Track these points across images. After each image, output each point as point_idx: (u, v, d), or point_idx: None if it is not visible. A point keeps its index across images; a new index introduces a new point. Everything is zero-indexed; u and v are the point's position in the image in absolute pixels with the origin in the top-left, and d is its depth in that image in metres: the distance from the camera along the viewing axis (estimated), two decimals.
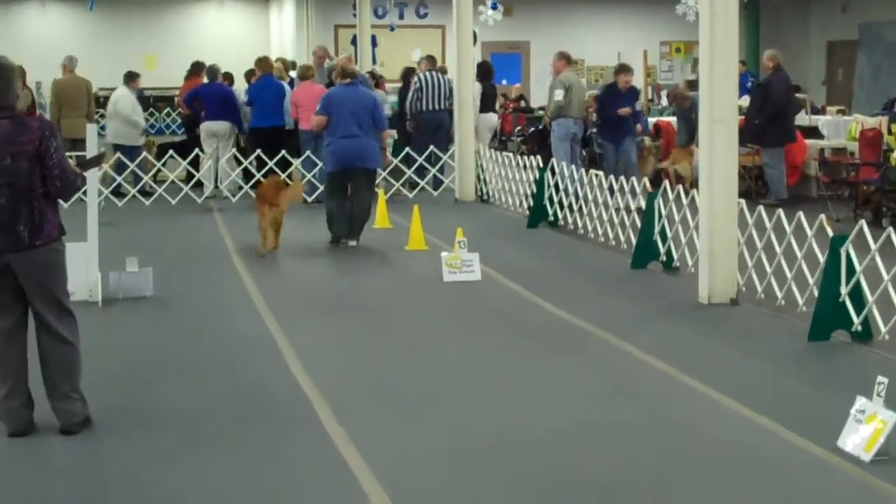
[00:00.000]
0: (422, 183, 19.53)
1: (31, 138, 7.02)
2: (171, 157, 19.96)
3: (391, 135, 15.89)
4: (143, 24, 35.30)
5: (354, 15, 28.00)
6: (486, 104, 22.24)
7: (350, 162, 14.29)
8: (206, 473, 6.59)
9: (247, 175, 19.00)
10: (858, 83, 30.86)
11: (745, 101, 18.59)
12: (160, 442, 7.12)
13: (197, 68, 21.58)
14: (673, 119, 20.77)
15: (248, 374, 8.69)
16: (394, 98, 22.68)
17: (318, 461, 6.77)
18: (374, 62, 28.01)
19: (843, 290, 9.34)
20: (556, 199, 15.91)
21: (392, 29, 30.61)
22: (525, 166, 17.23)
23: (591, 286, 12.07)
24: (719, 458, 6.77)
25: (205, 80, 20.27)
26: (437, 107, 19.81)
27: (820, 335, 9.41)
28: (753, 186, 18.36)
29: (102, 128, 20.03)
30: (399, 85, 22.10)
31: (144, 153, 19.40)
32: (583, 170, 16.09)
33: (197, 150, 19.25)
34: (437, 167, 19.73)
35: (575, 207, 15.55)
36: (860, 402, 6.85)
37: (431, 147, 19.57)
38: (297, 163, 18.61)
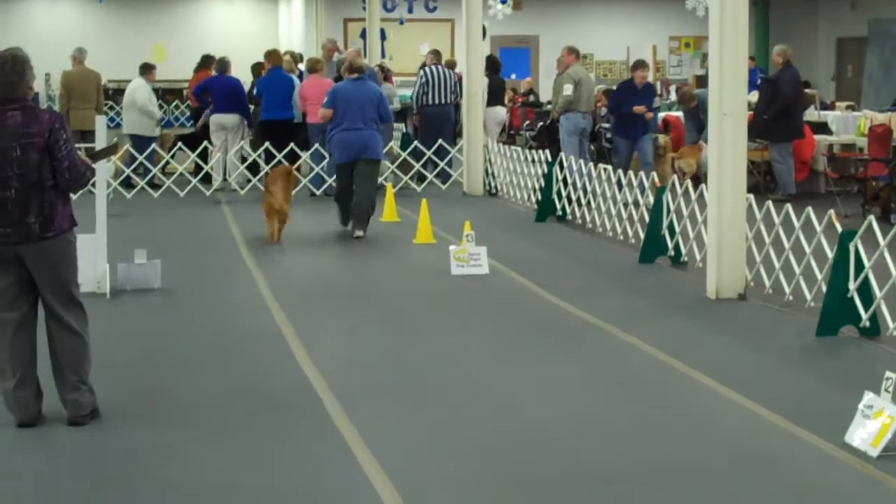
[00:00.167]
0: (429, 176, 19.53)
1: (40, 130, 7.04)
2: (181, 149, 19.99)
3: (391, 129, 15.94)
4: (152, 16, 35.33)
5: (364, 8, 28.01)
6: (494, 98, 22.27)
7: (354, 153, 14.49)
8: (213, 465, 6.60)
9: (254, 168, 19.01)
10: (867, 79, 30.82)
11: (754, 96, 18.56)
12: (168, 433, 7.14)
13: (207, 61, 21.59)
14: (682, 114, 20.74)
15: (256, 366, 8.70)
16: (403, 91, 22.68)
17: (325, 453, 6.78)
18: (384, 56, 28.03)
19: (852, 285, 9.33)
20: (564, 193, 15.91)
21: (401, 23, 30.62)
22: (533, 160, 17.23)
23: (599, 280, 12.07)
24: (726, 453, 6.77)
25: (213, 72, 20.30)
26: (442, 101, 19.82)
27: (828, 331, 9.41)
28: (762, 182, 18.34)
29: (111, 119, 20.04)
30: (412, 78, 22.07)
31: (154, 146, 19.38)
32: (591, 164, 16.08)
33: (206, 143, 19.25)
34: (446, 161, 19.72)
35: (583, 202, 15.55)
36: (868, 397, 6.85)
37: (440, 141, 19.57)
38: (305, 156, 18.61)
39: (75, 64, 20.25)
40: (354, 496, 6.13)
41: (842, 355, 9.07)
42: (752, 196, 11.15)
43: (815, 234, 10.21)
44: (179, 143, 20.09)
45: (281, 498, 6.12)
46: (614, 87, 25.05)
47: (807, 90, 21.04)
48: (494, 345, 9.38)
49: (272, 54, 19.63)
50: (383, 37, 28.59)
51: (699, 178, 16.31)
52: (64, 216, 7.17)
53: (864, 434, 6.71)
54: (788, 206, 10.73)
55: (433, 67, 19.97)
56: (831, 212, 10.27)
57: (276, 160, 18.05)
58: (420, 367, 8.69)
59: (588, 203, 15.45)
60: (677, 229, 12.54)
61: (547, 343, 9.45)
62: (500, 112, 23.45)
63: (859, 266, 9.32)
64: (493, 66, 22.21)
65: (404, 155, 19.40)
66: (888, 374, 6.82)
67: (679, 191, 12.87)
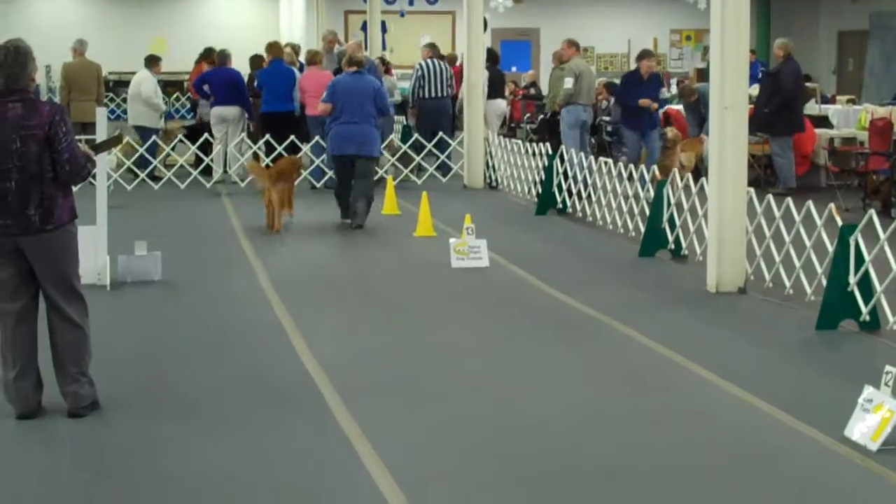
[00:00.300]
0: (430, 169, 19.52)
1: (40, 122, 7.04)
2: (181, 141, 19.98)
3: (390, 120, 15.98)
4: (153, 8, 35.29)
5: (365, 1, 27.98)
6: (495, 91, 22.26)
7: (351, 147, 14.59)
8: (213, 458, 6.61)
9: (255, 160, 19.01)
10: (868, 73, 30.80)
11: (755, 89, 18.54)
12: (168, 426, 7.14)
13: (208, 54, 21.58)
14: (682, 107, 20.71)
15: (256, 359, 8.70)
16: (403, 84, 22.67)
17: (325, 447, 6.78)
18: (384, 48, 28.00)
19: (852, 279, 9.34)
20: (564, 186, 15.90)
21: (402, 15, 30.60)
22: (534, 153, 17.22)
23: (599, 274, 12.07)
24: (726, 446, 6.78)
25: (205, 66, 20.28)
26: (439, 94, 19.82)
27: (828, 324, 9.41)
28: (762, 175, 18.34)
29: (112, 111, 20.01)
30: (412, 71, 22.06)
31: (154, 137, 19.35)
32: (592, 157, 16.07)
33: (206, 135, 19.24)
34: (446, 154, 19.72)
35: (584, 195, 15.54)
36: (868, 391, 6.85)
37: (440, 134, 19.56)
38: (306, 148, 18.61)
39: (76, 56, 20.23)
40: (355, 490, 6.14)
41: (842, 349, 9.08)
42: (752, 189, 11.15)
43: (815, 228, 10.21)
44: (179, 137, 20.04)
45: (281, 491, 6.13)
46: (615, 80, 25.04)
47: (807, 84, 21.02)
48: (494, 338, 9.38)
49: (273, 46, 19.63)
50: (384, 29, 28.56)
51: (700, 172, 16.29)
52: (64, 208, 7.17)
53: (864, 428, 6.72)
54: (789, 200, 10.73)
55: (429, 61, 19.99)
56: (832, 205, 10.28)
57: (276, 152, 18.05)
58: (420, 361, 8.69)
59: (588, 196, 15.44)
60: (678, 223, 12.54)
61: (547, 336, 9.45)
62: (501, 105, 23.45)
63: (859, 260, 9.32)
64: (491, 59, 22.19)
65: (405, 148, 19.39)
66: (888, 368, 6.82)
67: (679, 184, 12.87)
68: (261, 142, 18.68)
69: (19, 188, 7.04)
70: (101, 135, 10.77)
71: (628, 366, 8.56)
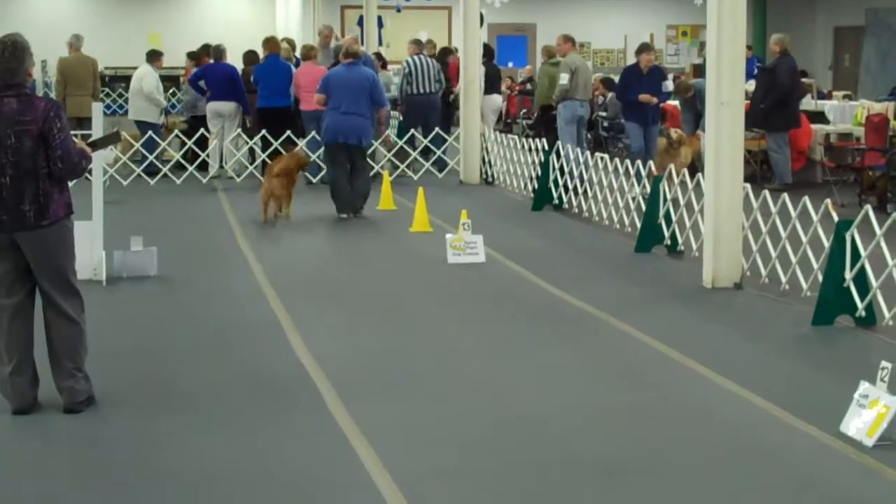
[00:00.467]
0: (426, 165, 19.52)
1: (35, 118, 7.03)
2: (176, 136, 19.97)
3: (386, 112, 16.04)
4: (148, 3, 35.23)
5: None
6: (491, 86, 22.25)
7: (341, 136, 14.91)
8: (209, 454, 6.61)
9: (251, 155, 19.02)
10: (864, 68, 30.83)
11: (751, 85, 18.55)
12: (164, 421, 7.14)
13: (205, 51, 21.53)
14: (678, 103, 20.70)
15: (252, 355, 8.70)
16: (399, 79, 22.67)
17: (322, 443, 6.78)
18: (381, 43, 27.99)
19: (848, 275, 9.34)
20: (560, 181, 15.90)
21: (398, 10, 30.57)
22: (530, 149, 17.22)
23: (595, 269, 12.07)
24: (722, 442, 6.78)
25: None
26: (426, 90, 19.81)
27: (824, 320, 9.42)
28: (758, 171, 18.34)
29: (107, 106, 19.96)
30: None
31: (150, 133, 19.32)
32: (588, 153, 16.06)
33: (202, 130, 19.23)
34: (442, 149, 19.72)
35: (580, 190, 15.54)
36: (863, 387, 6.86)
37: (436, 129, 19.56)
38: (301, 143, 18.60)
39: (72, 51, 20.20)
40: (352, 487, 6.13)
41: (837, 345, 9.08)
42: (748, 185, 11.16)
43: (811, 224, 10.21)
44: (176, 132, 20.01)
45: (278, 487, 6.12)
46: (612, 76, 25.02)
47: (804, 79, 21.04)
48: (491, 334, 9.38)
49: (270, 42, 19.60)
50: (380, 24, 28.55)
51: (696, 168, 16.28)
52: (60, 204, 7.16)
53: (860, 424, 6.73)
54: (785, 196, 10.74)
55: (416, 57, 20.01)
56: (828, 201, 10.28)
57: (272, 147, 18.04)
58: (417, 357, 8.69)
59: (585, 191, 15.44)
60: (674, 218, 12.54)
61: (543, 332, 9.45)
62: (497, 100, 23.45)
63: (855, 255, 9.32)
64: (488, 54, 22.19)
65: (401, 143, 19.37)
66: (883, 363, 6.83)
67: (676, 180, 12.88)
68: (257, 137, 18.67)
69: (14, 183, 7.03)
70: (97, 129, 10.77)
71: (625, 362, 8.56)
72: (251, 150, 19.06)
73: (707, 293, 10.83)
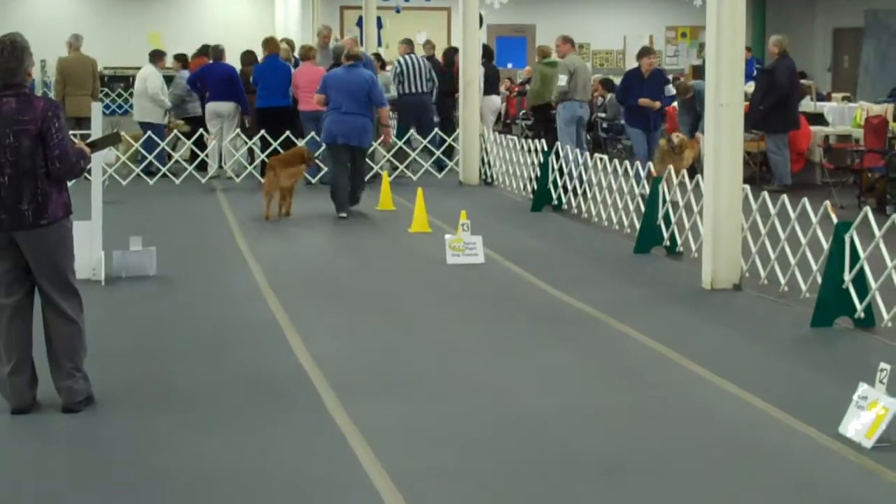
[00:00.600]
0: (425, 165, 19.52)
1: (33, 117, 7.03)
2: (176, 136, 19.96)
3: (388, 112, 16.10)
4: (148, 3, 35.23)
5: None
6: (490, 86, 22.26)
7: (342, 137, 15.19)
8: (208, 454, 6.60)
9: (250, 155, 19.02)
10: (864, 70, 30.84)
11: (751, 87, 18.55)
12: (163, 421, 7.13)
13: (204, 51, 21.53)
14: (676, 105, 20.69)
15: (251, 355, 8.70)
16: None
17: (321, 443, 6.78)
18: (380, 44, 28.00)
19: (847, 276, 9.34)
20: (560, 182, 15.90)
21: (398, 11, 30.57)
22: (529, 150, 17.21)
23: (595, 270, 12.07)
24: (721, 443, 6.78)
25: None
26: (418, 89, 19.83)
27: (823, 321, 9.42)
28: (758, 172, 18.35)
29: (106, 106, 19.92)
30: None
31: (149, 132, 19.31)
32: (587, 153, 16.06)
33: (201, 130, 19.23)
34: (442, 149, 19.72)
35: (579, 191, 15.54)
36: (862, 388, 6.86)
37: (435, 130, 19.58)
38: (301, 143, 18.58)
39: (71, 51, 20.18)
40: (351, 487, 6.13)
41: (836, 346, 9.08)
42: (748, 187, 11.16)
43: (810, 225, 10.21)
44: (175, 130, 20.01)
45: (276, 487, 6.12)
46: (611, 77, 25.02)
47: (803, 81, 21.04)
48: (491, 335, 9.37)
49: (270, 42, 19.59)
50: (380, 25, 28.55)
51: (695, 170, 16.27)
52: (58, 204, 7.16)
53: (859, 425, 6.73)
54: (784, 197, 10.74)
55: (407, 57, 20.06)
56: (827, 203, 10.28)
57: (272, 148, 18.04)
58: (416, 357, 8.69)
59: (584, 192, 15.44)
60: (673, 219, 12.54)
61: (543, 333, 9.45)
62: (496, 101, 23.48)
63: (854, 257, 9.32)
64: (487, 55, 22.20)
65: (400, 143, 19.37)
66: (882, 365, 6.82)
67: (675, 181, 12.88)
68: (256, 137, 18.67)
69: (12, 183, 7.03)
70: (96, 129, 10.77)
71: (624, 363, 8.56)
72: (250, 151, 19.06)
73: (706, 294, 10.83)
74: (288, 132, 18.30)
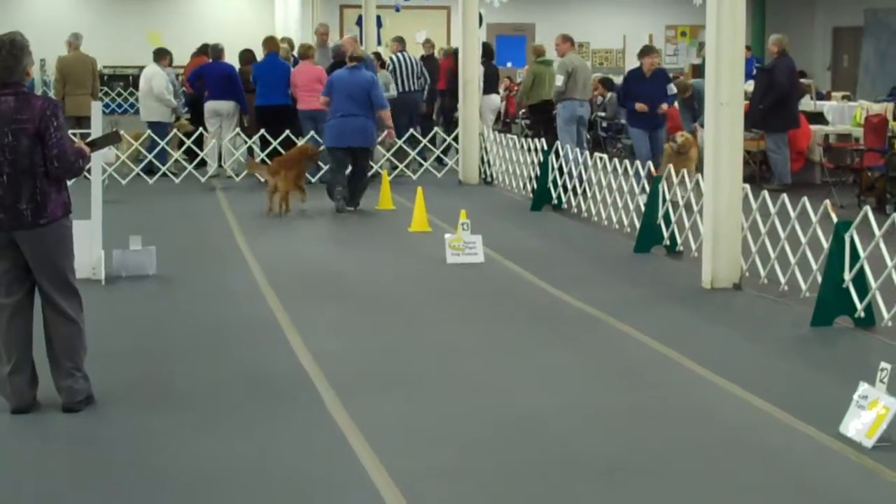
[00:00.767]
0: (425, 164, 19.52)
1: (31, 116, 7.02)
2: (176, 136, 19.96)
3: (388, 114, 16.12)
4: (148, 2, 35.24)
5: None
6: (489, 85, 22.27)
7: (346, 139, 15.48)
8: (207, 453, 6.60)
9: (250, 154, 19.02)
10: (863, 69, 30.84)
11: (750, 86, 18.55)
12: (163, 421, 7.13)
13: (203, 50, 21.52)
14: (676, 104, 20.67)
15: (251, 353, 8.69)
16: None
17: (320, 442, 6.78)
18: (379, 43, 27.98)
19: (847, 276, 9.34)
20: (560, 182, 15.89)
21: (397, 10, 30.56)
22: (529, 149, 17.21)
23: (595, 269, 12.07)
24: (721, 443, 6.78)
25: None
26: (408, 87, 19.86)
27: (823, 321, 9.41)
28: (757, 171, 18.34)
29: (106, 105, 19.87)
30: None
31: (149, 132, 19.32)
32: (587, 153, 16.05)
33: (200, 129, 19.23)
34: (441, 148, 19.72)
35: (579, 190, 15.53)
36: (863, 388, 6.85)
37: (436, 129, 19.59)
38: (301, 143, 18.58)
39: (71, 49, 20.17)
40: (350, 486, 6.13)
41: (837, 346, 9.08)
42: (747, 186, 11.15)
43: (810, 225, 10.21)
44: (175, 130, 20.01)
45: (276, 486, 6.12)
46: (611, 76, 25.00)
47: (802, 80, 21.03)
48: (490, 334, 9.37)
49: (270, 41, 19.60)
50: (379, 24, 28.53)
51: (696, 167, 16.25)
52: (57, 203, 7.15)
53: (859, 425, 6.72)
54: (784, 196, 10.73)
55: (399, 55, 20.10)
56: (827, 202, 10.28)
57: (271, 146, 18.03)
58: (416, 357, 8.69)
59: (584, 192, 15.44)
60: (673, 219, 12.54)
61: (543, 332, 9.45)
62: (495, 100, 23.48)
63: (854, 256, 9.32)
64: (487, 54, 22.21)
65: (399, 143, 19.36)
66: (883, 364, 6.82)
67: (675, 180, 12.88)
68: (256, 136, 18.67)
69: (11, 182, 7.03)
70: (96, 128, 10.77)
71: (624, 362, 8.55)
72: (250, 150, 19.05)
73: (706, 294, 10.82)
74: (287, 131, 18.30)
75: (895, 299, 9.19)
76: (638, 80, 17.11)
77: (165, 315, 10.00)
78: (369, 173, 16.40)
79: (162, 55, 20.09)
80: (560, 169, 15.88)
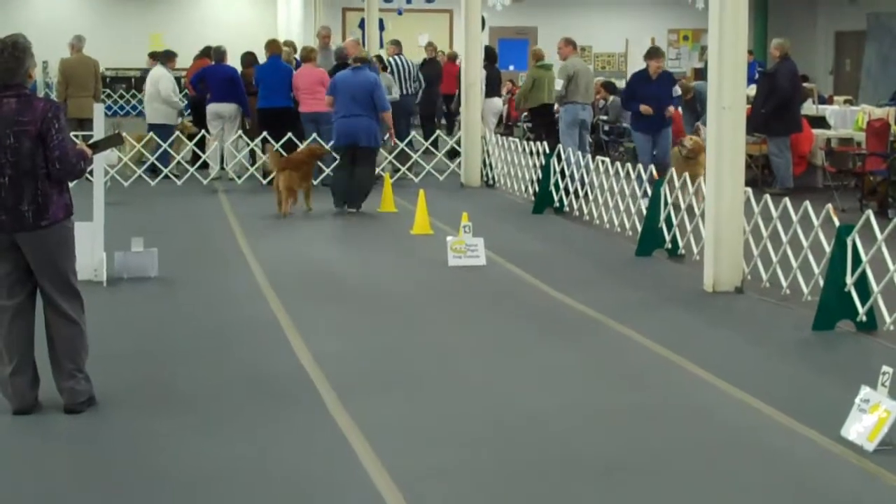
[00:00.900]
0: (427, 167, 19.52)
1: (33, 118, 7.02)
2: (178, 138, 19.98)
3: (390, 116, 16.13)
4: (150, 4, 35.25)
5: None
6: (491, 89, 22.28)
7: (350, 138, 15.61)
8: (209, 454, 6.60)
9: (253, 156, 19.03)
10: (866, 73, 30.83)
11: (752, 90, 18.54)
12: (164, 422, 7.13)
13: (206, 52, 21.54)
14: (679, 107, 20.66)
15: (253, 355, 8.70)
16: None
17: (322, 443, 6.78)
18: (382, 46, 27.99)
19: (849, 279, 9.33)
20: (562, 185, 15.89)
21: (400, 13, 30.58)
22: (531, 152, 17.21)
23: (596, 272, 12.07)
24: (722, 446, 6.78)
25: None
26: (406, 91, 19.90)
27: (825, 325, 9.41)
28: (760, 175, 18.34)
29: (108, 107, 19.88)
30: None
31: (153, 134, 19.32)
32: (589, 156, 16.05)
33: (203, 132, 19.24)
34: (444, 151, 19.72)
35: (581, 194, 15.54)
36: (864, 391, 6.85)
37: (437, 132, 19.61)
38: (303, 146, 18.58)
39: (73, 52, 20.18)
40: (351, 486, 6.13)
41: (838, 349, 9.08)
42: (749, 189, 11.15)
43: (812, 228, 10.21)
44: (177, 133, 20.01)
45: (277, 487, 6.12)
46: (613, 80, 24.98)
47: (805, 84, 21.02)
48: (492, 336, 9.37)
49: (272, 44, 19.61)
50: (381, 27, 28.55)
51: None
52: (59, 205, 7.15)
53: (861, 428, 6.72)
54: (786, 200, 10.73)
55: (396, 58, 20.16)
56: (829, 206, 10.28)
57: (273, 149, 18.02)
58: (417, 358, 8.69)
59: (586, 195, 15.43)
60: (675, 222, 12.54)
61: (544, 335, 9.45)
62: (497, 103, 23.49)
63: (856, 260, 9.32)
64: (489, 57, 22.22)
65: (402, 145, 19.37)
66: (885, 368, 6.82)
67: (677, 183, 12.88)
68: (258, 139, 18.67)
69: (13, 184, 7.03)
70: (98, 130, 10.77)
71: (625, 365, 8.56)
72: (252, 152, 19.06)
73: (708, 297, 10.82)
74: (289, 133, 18.30)
75: None
76: (643, 81, 16.84)
77: (167, 317, 10.00)
78: (373, 176, 16.41)
79: (169, 57, 20.09)
80: (562, 172, 15.88)
